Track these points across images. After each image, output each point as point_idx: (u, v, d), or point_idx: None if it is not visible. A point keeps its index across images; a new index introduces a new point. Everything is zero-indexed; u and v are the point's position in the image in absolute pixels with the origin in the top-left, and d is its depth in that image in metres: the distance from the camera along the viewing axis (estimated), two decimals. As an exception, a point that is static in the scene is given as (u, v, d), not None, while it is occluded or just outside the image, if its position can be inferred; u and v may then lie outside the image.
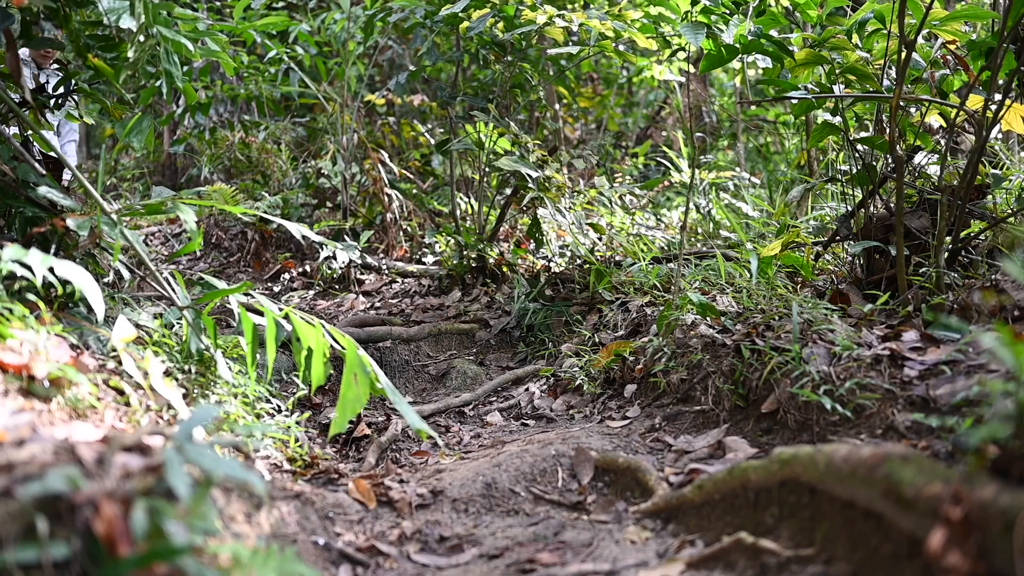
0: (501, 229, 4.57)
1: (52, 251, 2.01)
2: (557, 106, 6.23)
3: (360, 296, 4.47)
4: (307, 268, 5.01)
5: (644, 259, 3.46)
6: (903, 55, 2.17)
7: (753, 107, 6.24)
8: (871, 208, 2.58)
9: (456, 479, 1.94)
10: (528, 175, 3.81)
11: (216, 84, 5.64)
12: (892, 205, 2.45)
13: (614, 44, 3.61)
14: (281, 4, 6.23)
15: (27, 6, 2.03)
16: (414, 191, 5.53)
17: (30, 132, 2.10)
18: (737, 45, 2.39)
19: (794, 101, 2.48)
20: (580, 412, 2.64)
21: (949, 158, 2.51)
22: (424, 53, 4.75)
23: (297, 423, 2.34)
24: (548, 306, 3.58)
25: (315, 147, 6.09)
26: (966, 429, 1.50)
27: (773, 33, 2.43)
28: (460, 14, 3.60)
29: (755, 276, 2.63)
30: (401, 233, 5.21)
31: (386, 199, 5.06)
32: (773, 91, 2.51)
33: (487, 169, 4.29)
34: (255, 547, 1.07)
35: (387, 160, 5.15)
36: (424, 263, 4.90)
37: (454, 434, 2.66)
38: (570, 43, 3.70)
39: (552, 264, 4.15)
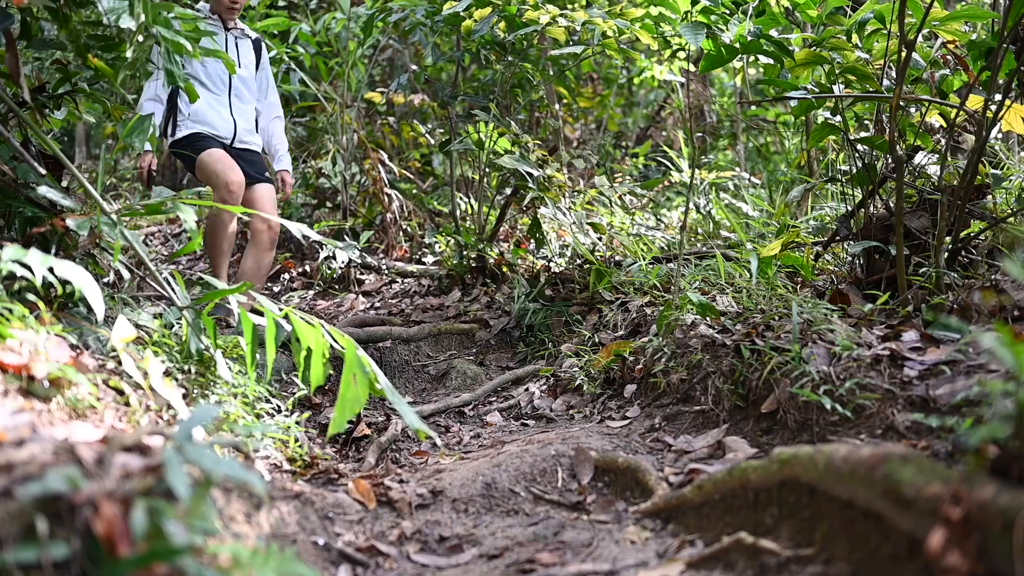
0: (501, 229, 4.57)
1: (52, 251, 2.01)
2: (557, 106, 6.23)
3: (360, 296, 4.47)
4: (307, 268, 5.01)
5: (644, 259, 3.46)
6: (903, 55, 2.17)
7: (753, 107, 6.24)
8: (871, 208, 2.58)
9: (456, 479, 1.94)
10: (529, 174, 3.81)
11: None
12: (892, 205, 2.45)
13: (618, 43, 3.60)
14: (282, 3, 6.23)
15: (27, 6, 2.02)
16: (414, 191, 5.53)
17: (31, 132, 2.10)
18: (737, 45, 2.39)
19: (794, 101, 2.48)
20: (580, 412, 2.64)
21: (950, 158, 2.51)
22: (426, 55, 4.75)
23: (297, 423, 2.34)
24: (548, 306, 3.58)
25: (315, 147, 6.08)
26: (966, 429, 1.50)
27: (773, 33, 2.43)
28: (462, 13, 3.60)
29: (755, 276, 2.63)
30: (401, 233, 5.21)
31: (386, 199, 5.06)
32: (773, 91, 2.51)
33: (487, 169, 4.29)
34: (255, 547, 1.07)
35: (387, 160, 5.15)
36: (424, 263, 4.90)
37: (454, 434, 2.66)
38: (571, 42, 3.70)
39: (552, 264, 4.15)
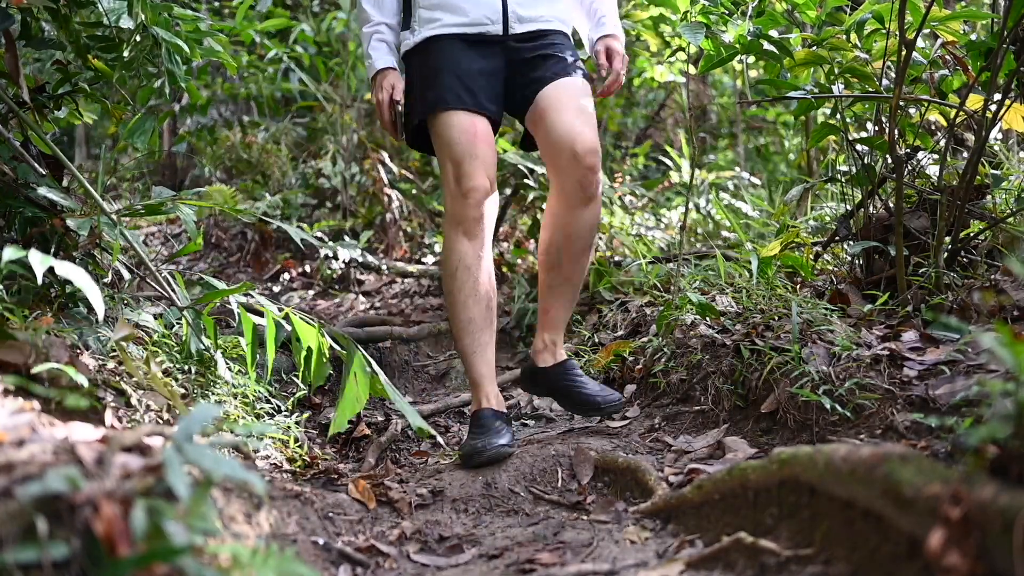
0: (501, 229, 4.57)
1: (52, 251, 2.01)
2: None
3: (360, 296, 4.47)
4: (307, 268, 5.01)
5: (644, 259, 3.46)
6: (903, 55, 2.17)
7: (753, 107, 6.24)
8: (871, 208, 2.58)
9: (456, 479, 1.94)
10: (531, 170, 3.82)
11: (216, 83, 5.64)
12: (892, 205, 2.45)
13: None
14: (288, 1, 6.24)
15: (27, 6, 2.03)
16: (414, 191, 5.53)
17: (30, 132, 2.10)
18: (737, 45, 2.39)
19: (794, 102, 2.48)
20: (580, 412, 2.64)
21: (950, 158, 2.51)
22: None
23: (297, 423, 2.34)
24: (548, 306, 3.58)
25: (315, 147, 6.09)
26: (965, 429, 1.50)
27: (773, 33, 2.43)
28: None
29: (755, 276, 2.63)
30: (401, 233, 5.21)
31: (386, 199, 5.06)
32: (776, 91, 2.51)
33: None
34: (255, 547, 1.08)
35: (387, 160, 5.15)
36: (424, 263, 4.90)
37: (454, 434, 2.66)
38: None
39: (552, 264, 4.14)
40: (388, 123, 2.18)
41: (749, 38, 2.36)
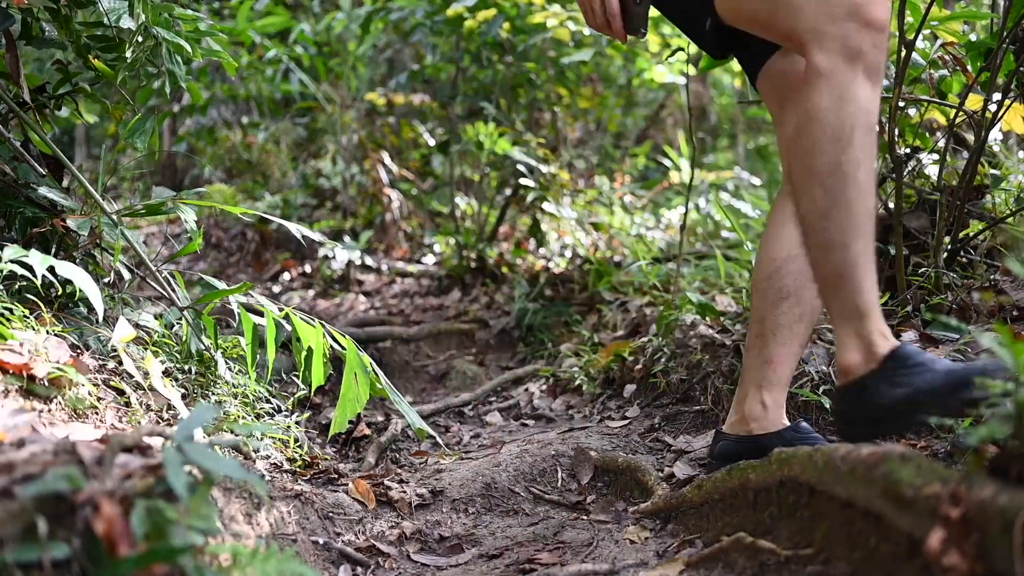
0: (501, 229, 4.58)
1: (52, 251, 2.01)
2: (556, 108, 6.23)
3: (360, 296, 4.47)
4: (307, 268, 5.02)
5: (644, 259, 3.47)
6: (903, 55, 2.17)
7: (753, 107, 6.24)
8: (871, 208, 2.58)
9: (456, 479, 1.94)
10: (531, 168, 3.83)
11: (216, 84, 5.64)
12: (891, 205, 2.45)
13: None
14: (290, 1, 6.24)
15: (27, 6, 2.03)
16: (414, 191, 5.54)
17: (30, 132, 2.10)
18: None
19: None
20: (579, 412, 2.64)
21: (950, 158, 2.51)
22: (426, 55, 4.76)
23: (297, 423, 2.34)
24: (548, 306, 3.58)
25: (315, 147, 6.09)
26: (965, 429, 1.50)
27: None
28: (465, 14, 3.61)
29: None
30: (401, 233, 5.22)
31: (386, 199, 5.07)
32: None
33: (487, 169, 4.29)
34: (255, 547, 1.08)
35: (387, 160, 5.15)
36: (424, 263, 4.90)
37: (454, 434, 2.66)
38: (571, 43, 3.72)
39: (552, 264, 4.15)
40: (614, 9, 1.57)
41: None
